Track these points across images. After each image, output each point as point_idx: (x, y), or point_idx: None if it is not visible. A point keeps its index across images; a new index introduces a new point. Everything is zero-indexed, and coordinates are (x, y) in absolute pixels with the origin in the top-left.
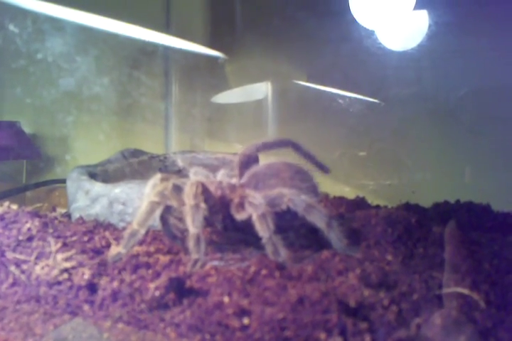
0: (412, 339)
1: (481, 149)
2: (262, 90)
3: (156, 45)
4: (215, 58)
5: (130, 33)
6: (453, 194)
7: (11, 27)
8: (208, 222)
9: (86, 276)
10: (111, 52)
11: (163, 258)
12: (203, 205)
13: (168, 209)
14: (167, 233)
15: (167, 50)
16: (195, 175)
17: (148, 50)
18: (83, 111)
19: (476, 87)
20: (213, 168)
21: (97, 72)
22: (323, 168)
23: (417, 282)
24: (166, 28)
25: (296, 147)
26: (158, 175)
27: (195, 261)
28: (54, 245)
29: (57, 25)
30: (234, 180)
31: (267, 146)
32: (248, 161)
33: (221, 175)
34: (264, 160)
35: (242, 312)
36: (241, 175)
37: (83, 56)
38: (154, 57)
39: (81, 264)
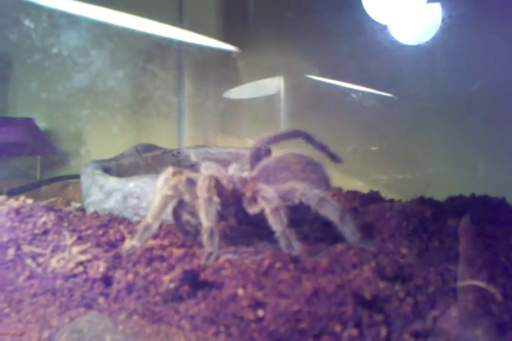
0: (428, 331)
1: (495, 143)
2: (274, 85)
3: (170, 39)
4: (227, 52)
5: (144, 28)
6: (468, 188)
7: (26, 22)
8: (221, 215)
9: (101, 269)
10: (125, 46)
11: (177, 252)
12: (216, 199)
13: (180, 204)
14: (179, 227)
15: (180, 44)
16: (207, 170)
17: (162, 44)
18: (97, 105)
19: (491, 80)
20: (226, 163)
21: (111, 66)
22: (335, 158)
23: (433, 275)
24: (179, 22)
25: (308, 137)
26: (170, 169)
27: (209, 254)
28: (69, 238)
29: (72, 20)
30: (246, 174)
31: (278, 138)
32: (260, 154)
33: (233, 169)
34: (277, 152)
35: (257, 304)
36: (253, 168)
37: (97, 50)
38: (168, 51)
39: (96, 257)
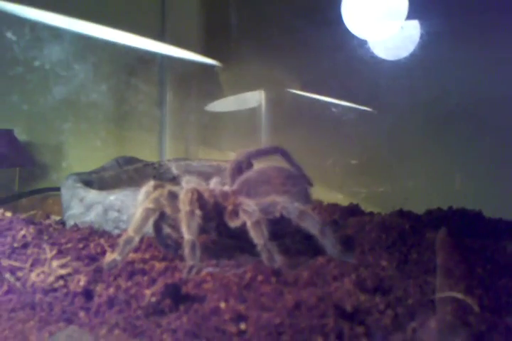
0: None
1: (472, 156)
2: (255, 98)
3: (153, 53)
4: (210, 66)
5: (127, 42)
6: (445, 201)
7: (9, 34)
8: (202, 229)
9: (82, 283)
10: (108, 59)
11: (159, 265)
12: (198, 212)
13: (162, 217)
14: (160, 241)
15: (163, 58)
16: (188, 184)
17: (145, 58)
18: (79, 118)
19: (468, 95)
20: (208, 176)
21: (93, 80)
22: (308, 181)
23: (412, 287)
24: (161, 36)
25: (285, 155)
26: (152, 183)
27: (191, 268)
28: (49, 252)
29: (55, 33)
30: (226, 188)
31: (259, 153)
32: (240, 168)
33: (214, 183)
34: (258, 165)
35: (239, 317)
36: (233, 181)
37: (80, 64)
38: (151, 65)
39: (77, 271)
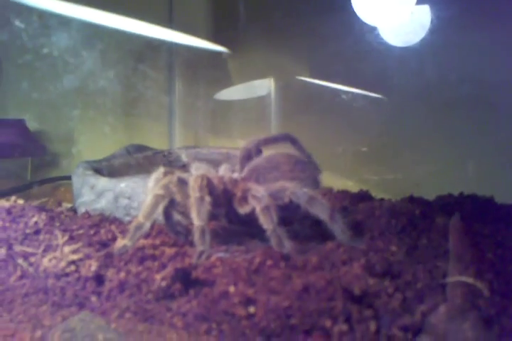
0: (417, 325)
1: (483, 142)
2: (265, 86)
3: (161, 40)
4: (218, 53)
5: (135, 29)
6: (456, 187)
7: (17, 23)
8: (212, 215)
9: (93, 268)
10: (116, 46)
11: (169, 251)
12: (207, 198)
13: (172, 203)
14: (170, 228)
15: (171, 45)
16: (197, 171)
17: (153, 45)
18: (88, 106)
19: (479, 81)
20: (217, 163)
21: (101, 67)
22: (316, 167)
23: (421, 271)
24: (169, 23)
25: (294, 142)
26: (161, 169)
27: (201, 253)
28: (61, 238)
29: (63, 20)
30: (236, 175)
31: (269, 141)
32: (250, 155)
33: (223, 170)
34: (267, 151)
35: (248, 301)
36: (243, 169)
37: (88, 51)
38: (159, 52)
39: (88, 256)
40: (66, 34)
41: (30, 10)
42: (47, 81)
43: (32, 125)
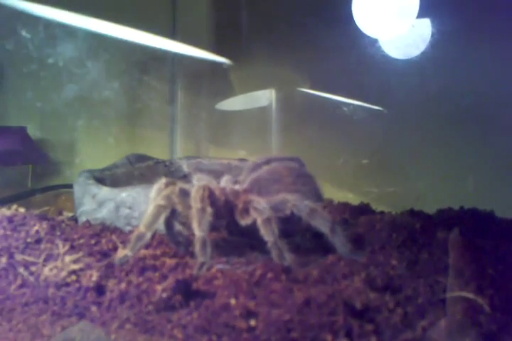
0: None
1: (484, 156)
2: (266, 97)
3: (164, 51)
4: (220, 64)
5: (139, 40)
6: (457, 201)
7: (23, 32)
8: (213, 226)
9: (94, 278)
10: (120, 57)
11: (170, 261)
12: (209, 209)
13: (173, 214)
14: (171, 238)
15: (174, 56)
16: (199, 182)
17: (157, 56)
18: (91, 115)
19: (480, 94)
20: (218, 174)
21: (105, 77)
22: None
23: (422, 286)
24: (172, 34)
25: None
26: (163, 180)
27: (202, 264)
28: (62, 247)
29: (68, 31)
30: (237, 186)
31: (278, 160)
32: (257, 171)
33: (225, 181)
34: None
35: (249, 313)
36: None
37: (93, 61)
38: (162, 63)
39: (89, 266)
40: (71, 44)
41: (36, 20)
42: (51, 90)
43: (35, 133)
